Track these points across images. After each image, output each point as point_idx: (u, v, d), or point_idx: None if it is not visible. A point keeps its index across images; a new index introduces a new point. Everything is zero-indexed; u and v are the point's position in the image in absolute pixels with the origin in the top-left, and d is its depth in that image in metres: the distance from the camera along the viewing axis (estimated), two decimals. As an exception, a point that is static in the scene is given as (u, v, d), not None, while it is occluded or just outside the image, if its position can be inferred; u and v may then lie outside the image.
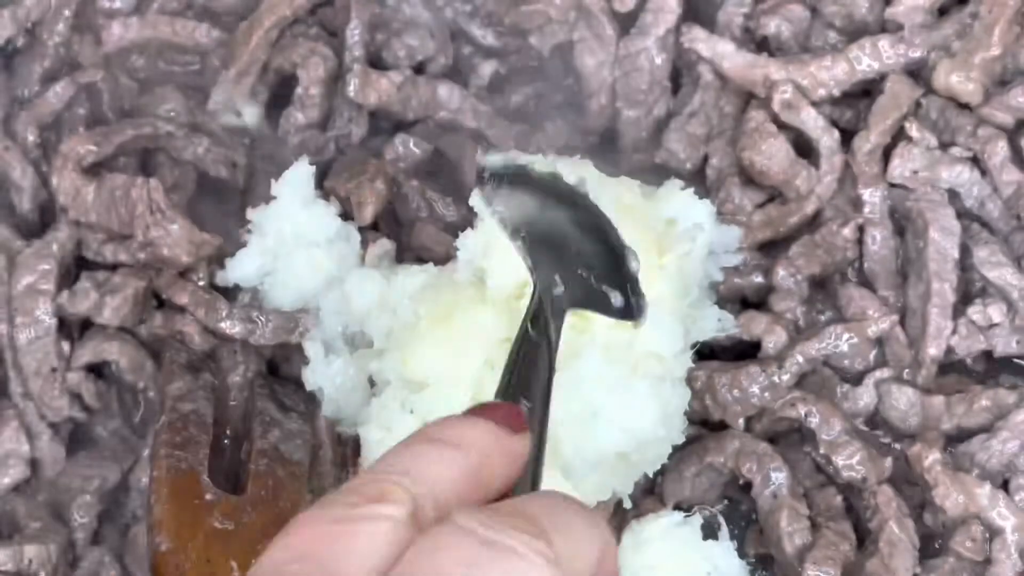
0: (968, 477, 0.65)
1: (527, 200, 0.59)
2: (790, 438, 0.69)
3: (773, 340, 0.69)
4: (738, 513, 0.68)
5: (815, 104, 0.72)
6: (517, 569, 0.36)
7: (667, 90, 0.75)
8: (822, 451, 0.66)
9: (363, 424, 0.65)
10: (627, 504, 0.65)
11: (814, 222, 0.72)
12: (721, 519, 0.67)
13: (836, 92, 0.72)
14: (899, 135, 0.72)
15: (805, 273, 0.70)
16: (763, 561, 0.67)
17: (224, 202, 0.76)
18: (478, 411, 0.43)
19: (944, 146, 0.71)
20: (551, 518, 0.38)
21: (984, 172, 0.70)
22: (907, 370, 0.69)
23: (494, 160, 0.60)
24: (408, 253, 0.73)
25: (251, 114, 0.78)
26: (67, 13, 0.78)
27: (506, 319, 0.64)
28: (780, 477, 0.66)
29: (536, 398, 0.48)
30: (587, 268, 0.58)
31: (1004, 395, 0.67)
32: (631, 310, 0.58)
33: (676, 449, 0.67)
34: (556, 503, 0.40)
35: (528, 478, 0.44)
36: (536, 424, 0.47)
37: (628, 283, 0.58)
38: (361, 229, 0.72)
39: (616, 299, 0.58)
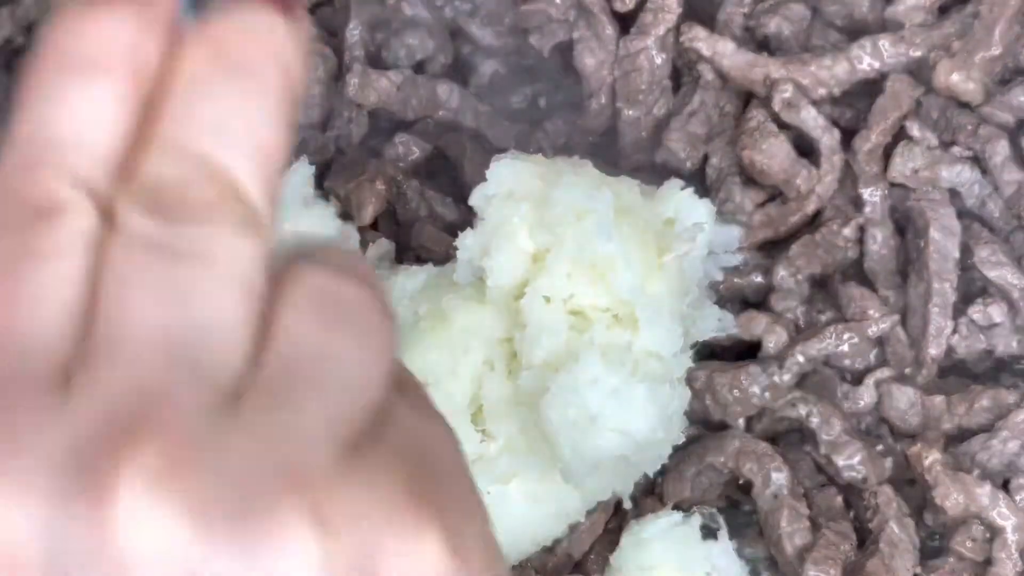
0: (968, 477, 0.65)
1: None
2: (790, 438, 0.68)
3: (773, 340, 0.69)
4: (738, 513, 0.68)
5: (815, 103, 0.72)
6: (217, 260, 0.29)
7: (667, 90, 0.75)
8: (822, 451, 0.66)
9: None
10: (627, 504, 0.65)
11: (814, 222, 0.72)
12: (721, 519, 0.67)
13: (836, 91, 0.72)
14: (900, 134, 0.71)
15: (805, 273, 0.70)
16: (763, 562, 0.67)
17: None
18: None
19: (945, 145, 0.71)
20: (217, 130, 0.29)
21: (985, 171, 0.70)
22: (907, 370, 0.68)
23: None
24: (408, 253, 0.73)
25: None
26: (67, 13, 0.78)
27: (506, 319, 0.64)
28: (780, 477, 0.66)
29: None
30: None
31: (1005, 395, 0.67)
32: None
33: (676, 449, 0.67)
34: (212, 101, 0.30)
35: None
36: None
37: None
38: (361, 229, 0.72)
39: None
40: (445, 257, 0.70)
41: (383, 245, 0.72)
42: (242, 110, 0.30)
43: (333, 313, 0.30)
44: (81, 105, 0.29)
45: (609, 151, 0.75)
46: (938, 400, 0.67)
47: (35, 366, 0.28)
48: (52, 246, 0.28)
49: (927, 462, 0.65)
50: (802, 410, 0.67)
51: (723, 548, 0.65)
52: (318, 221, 0.71)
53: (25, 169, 0.29)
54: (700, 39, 0.74)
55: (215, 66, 0.30)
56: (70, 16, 0.30)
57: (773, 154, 0.71)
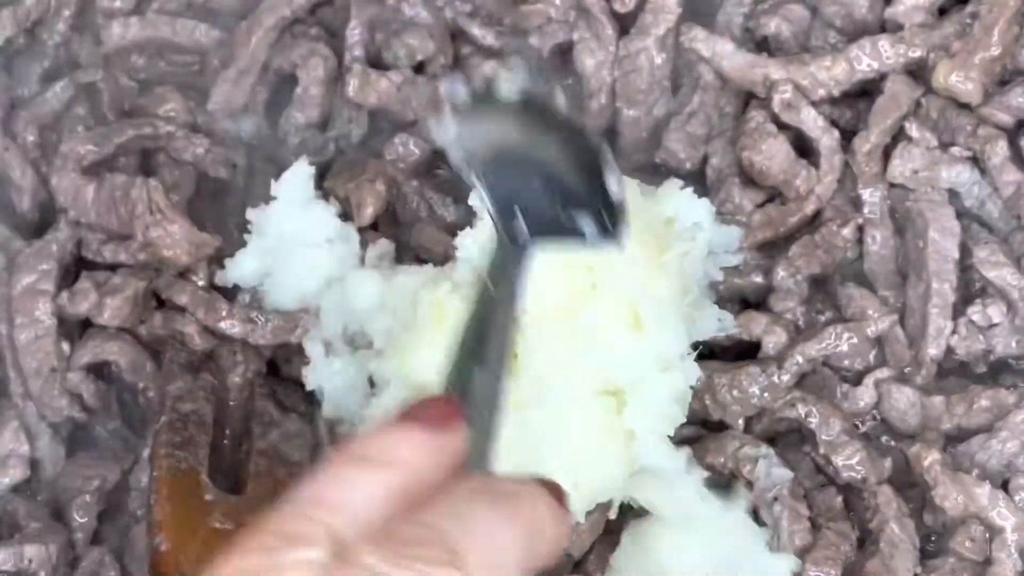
0: (968, 477, 0.65)
1: (493, 129, 0.52)
2: (790, 438, 0.69)
3: (773, 340, 0.69)
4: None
5: (815, 104, 0.72)
6: None
7: (667, 90, 0.75)
8: (822, 451, 0.66)
9: (363, 424, 0.65)
10: (612, 514, 0.65)
11: (814, 222, 0.72)
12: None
13: (836, 92, 0.72)
14: (899, 135, 0.72)
15: (805, 273, 0.70)
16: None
17: (224, 202, 0.76)
18: (409, 416, 0.41)
19: (944, 146, 0.71)
20: (463, 527, 0.37)
21: (984, 172, 0.70)
22: (907, 370, 0.68)
23: (457, 90, 0.53)
24: (408, 253, 0.73)
25: (250, 121, 0.78)
26: (67, 13, 0.78)
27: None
28: (780, 478, 0.66)
29: (492, 360, 0.45)
30: (554, 193, 0.51)
31: (1004, 395, 0.67)
32: (607, 231, 0.51)
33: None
34: (467, 507, 0.38)
35: (474, 460, 0.42)
36: (493, 388, 0.45)
37: (602, 196, 0.51)
38: (361, 229, 0.72)
39: (586, 221, 0.51)
40: (445, 257, 0.70)
41: (383, 245, 0.72)
42: (491, 523, 0.38)
43: None
44: (351, 483, 0.38)
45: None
46: (937, 400, 0.67)
47: None
48: (287, 562, 0.36)
49: (926, 462, 0.65)
50: (801, 410, 0.67)
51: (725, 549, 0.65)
52: (318, 221, 0.71)
53: (291, 515, 0.38)
54: (700, 40, 0.74)
55: (482, 492, 0.40)
56: (382, 427, 0.41)
57: (773, 155, 0.71)
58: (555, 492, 0.42)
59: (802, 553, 0.64)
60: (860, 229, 0.71)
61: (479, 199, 0.52)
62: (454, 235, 0.68)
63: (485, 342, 0.46)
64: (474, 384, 0.45)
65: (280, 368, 0.72)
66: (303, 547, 0.36)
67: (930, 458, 0.65)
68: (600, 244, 0.52)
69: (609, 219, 0.52)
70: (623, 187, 0.51)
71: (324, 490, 0.38)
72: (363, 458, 0.39)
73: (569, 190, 0.52)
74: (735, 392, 0.68)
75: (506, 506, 0.39)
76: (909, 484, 0.66)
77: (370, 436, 0.40)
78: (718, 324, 0.68)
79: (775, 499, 0.65)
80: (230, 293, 0.72)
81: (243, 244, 0.72)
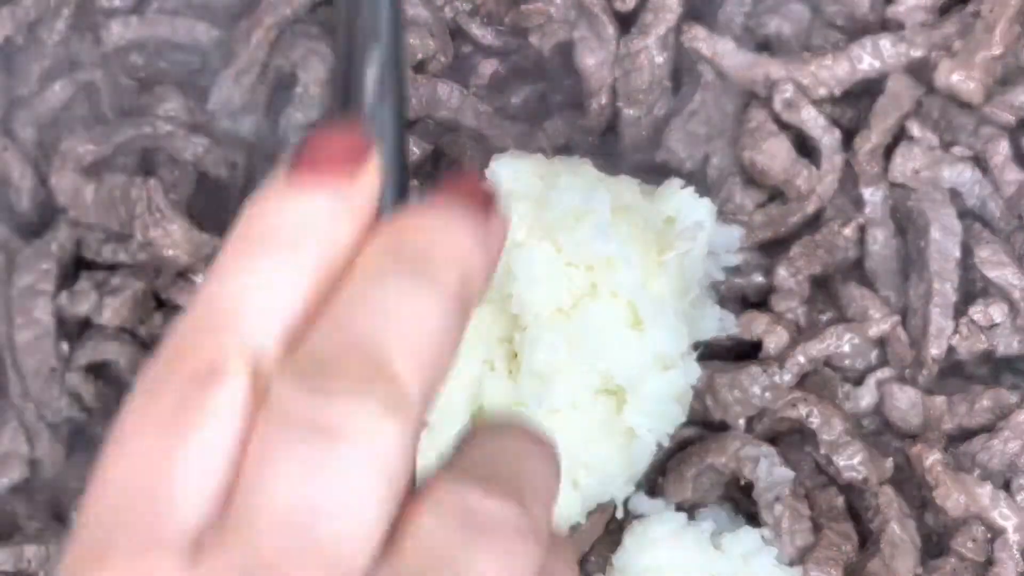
0: (969, 477, 0.64)
1: None
2: (791, 439, 0.68)
3: (774, 340, 0.69)
4: (739, 514, 0.68)
5: (816, 103, 0.72)
6: (358, 439, 0.29)
7: (668, 89, 0.75)
8: (823, 451, 0.66)
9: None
10: (619, 513, 0.65)
11: (815, 222, 0.72)
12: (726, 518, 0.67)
13: (837, 91, 0.72)
14: (900, 134, 0.71)
15: (806, 273, 0.70)
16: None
17: (224, 202, 0.76)
18: (311, 161, 0.32)
19: (946, 145, 0.71)
20: (382, 319, 0.30)
21: (986, 171, 0.70)
22: (908, 370, 0.68)
23: None
24: (408, 253, 0.73)
25: (250, 120, 0.78)
26: (66, 12, 0.78)
27: (506, 319, 0.64)
28: (781, 478, 0.66)
29: (384, 31, 0.33)
30: None
31: (1006, 395, 0.67)
32: None
33: (677, 450, 0.67)
34: (381, 289, 0.31)
35: (387, 191, 0.33)
36: (393, 76, 0.34)
37: None
38: (361, 229, 0.72)
39: None
40: (445, 257, 0.70)
41: (383, 245, 0.72)
42: (412, 306, 0.31)
43: (476, 530, 0.30)
44: (263, 277, 0.31)
45: (609, 151, 0.75)
46: (939, 400, 0.67)
47: (171, 533, 0.29)
48: (205, 412, 0.30)
49: (928, 462, 0.65)
50: (803, 410, 0.67)
51: (727, 551, 0.65)
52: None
53: (196, 332, 0.31)
54: (700, 39, 0.74)
55: (396, 259, 0.32)
56: (272, 193, 0.33)
57: (774, 154, 0.71)
58: (476, 201, 0.33)
59: (803, 553, 0.64)
60: (861, 229, 0.71)
61: None
62: (454, 235, 0.68)
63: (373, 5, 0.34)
64: (367, 80, 0.34)
65: (280, 368, 0.72)
66: (216, 385, 0.30)
67: (931, 458, 0.65)
68: None
69: None
70: None
71: (236, 292, 0.31)
72: (271, 240, 0.32)
73: None
74: (736, 392, 0.68)
75: (424, 268, 0.31)
76: (911, 484, 0.66)
77: (273, 203, 0.32)
78: (719, 324, 0.68)
79: (776, 499, 0.65)
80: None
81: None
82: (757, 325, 0.69)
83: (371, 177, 0.32)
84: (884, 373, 0.68)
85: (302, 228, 0.32)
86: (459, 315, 0.32)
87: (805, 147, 0.72)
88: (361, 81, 0.34)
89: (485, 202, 0.34)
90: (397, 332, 0.30)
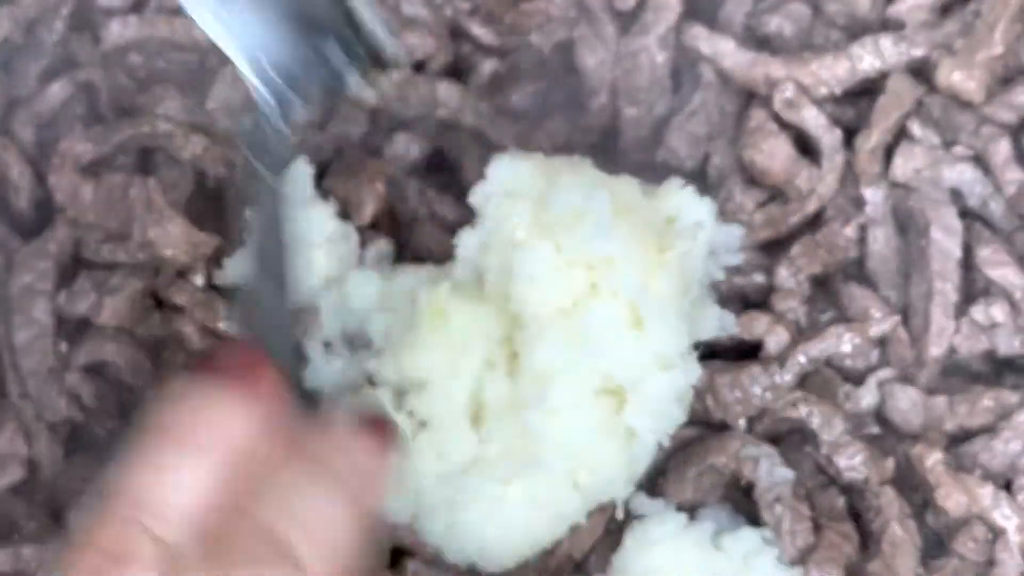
0: (970, 478, 0.64)
1: None
2: (792, 439, 0.68)
3: (775, 340, 0.68)
4: (740, 514, 0.68)
5: (817, 103, 0.72)
6: None
7: (668, 89, 0.75)
8: (824, 452, 0.66)
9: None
10: (619, 514, 0.65)
11: (816, 221, 0.72)
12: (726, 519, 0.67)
13: (838, 90, 0.72)
14: (901, 134, 0.71)
15: (807, 273, 0.70)
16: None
17: (223, 202, 0.76)
18: (214, 370, 0.37)
19: (946, 145, 0.71)
20: (289, 514, 0.35)
21: (987, 171, 0.70)
22: (909, 370, 0.68)
23: None
24: (408, 253, 0.73)
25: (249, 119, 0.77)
26: (65, 11, 0.78)
27: (506, 319, 0.64)
28: (782, 478, 0.66)
29: (271, 267, 0.40)
30: (292, 24, 0.45)
31: (1007, 395, 0.67)
32: (355, 55, 0.46)
33: (677, 450, 0.67)
34: (288, 488, 0.36)
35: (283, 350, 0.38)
36: (280, 303, 0.40)
37: (345, 17, 0.45)
38: (360, 229, 0.72)
39: (331, 47, 0.47)
40: (445, 257, 0.70)
41: (383, 245, 0.72)
42: (317, 505, 0.36)
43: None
44: (175, 475, 0.35)
45: (610, 150, 0.75)
46: (940, 400, 0.67)
47: None
48: None
49: (929, 463, 0.65)
50: (803, 410, 0.67)
51: (727, 551, 0.65)
52: (316, 221, 0.71)
53: (112, 521, 0.35)
54: (701, 38, 0.74)
55: (304, 465, 0.37)
56: (185, 394, 0.37)
57: (774, 154, 0.71)
58: (373, 427, 0.40)
59: (804, 554, 0.64)
60: (862, 228, 0.71)
61: (225, 51, 0.45)
62: (454, 234, 0.68)
63: (264, 247, 0.40)
64: (261, 309, 0.40)
65: (279, 368, 0.72)
66: (132, 568, 0.34)
67: (932, 458, 0.65)
68: (348, 71, 0.47)
69: (357, 40, 0.47)
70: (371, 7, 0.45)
71: (148, 487, 0.35)
72: (185, 441, 0.36)
73: (309, 18, 0.46)
74: (737, 392, 0.67)
75: (325, 473, 0.37)
76: (912, 485, 0.66)
77: (187, 410, 0.36)
78: (719, 324, 0.68)
79: (777, 499, 0.65)
80: (229, 293, 0.72)
81: (242, 244, 0.72)
82: (757, 325, 0.69)
83: (267, 386, 0.37)
84: (885, 373, 0.68)
85: (215, 431, 0.36)
86: (358, 512, 0.38)
87: (806, 147, 0.72)
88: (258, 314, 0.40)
89: (374, 424, 0.42)
90: (301, 522, 0.36)
